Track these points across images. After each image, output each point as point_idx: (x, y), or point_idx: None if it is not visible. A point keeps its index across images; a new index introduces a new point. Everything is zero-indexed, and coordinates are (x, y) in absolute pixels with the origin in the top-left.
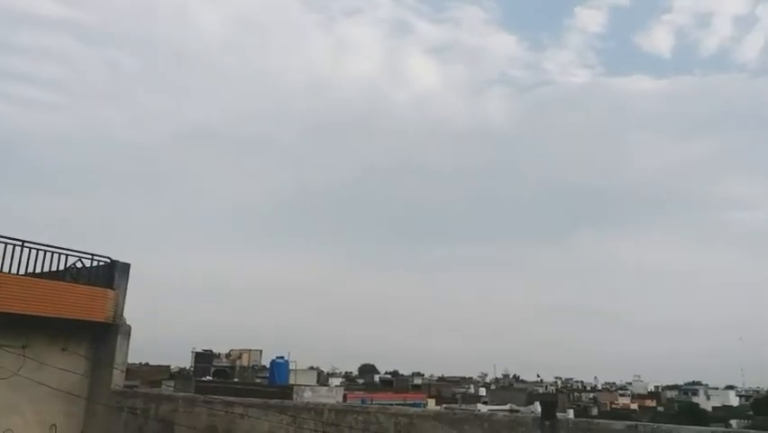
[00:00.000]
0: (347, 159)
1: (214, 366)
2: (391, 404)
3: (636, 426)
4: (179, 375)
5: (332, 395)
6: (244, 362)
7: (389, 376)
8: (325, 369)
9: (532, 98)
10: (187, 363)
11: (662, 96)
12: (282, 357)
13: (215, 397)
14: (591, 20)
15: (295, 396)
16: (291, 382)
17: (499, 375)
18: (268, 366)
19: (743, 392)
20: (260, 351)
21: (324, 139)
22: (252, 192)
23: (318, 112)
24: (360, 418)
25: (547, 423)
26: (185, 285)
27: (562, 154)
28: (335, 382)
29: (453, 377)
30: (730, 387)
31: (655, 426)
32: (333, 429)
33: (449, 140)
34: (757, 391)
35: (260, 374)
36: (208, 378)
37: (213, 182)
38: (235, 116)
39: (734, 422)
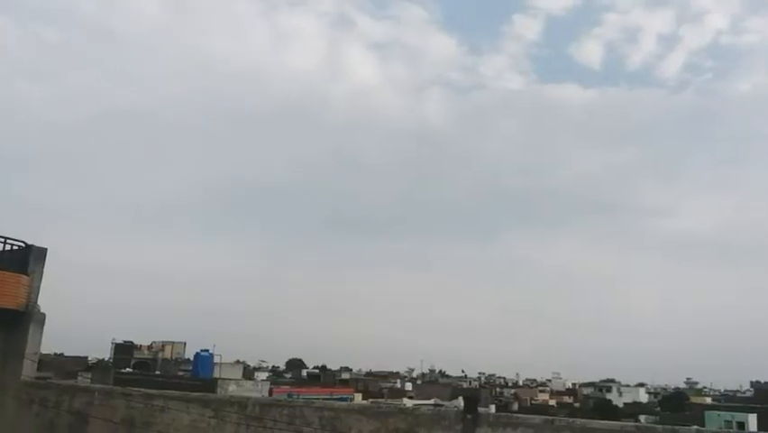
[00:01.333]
0: (280, 150)
1: (135, 358)
2: (318, 398)
3: (553, 420)
4: (97, 367)
5: (257, 389)
6: (167, 354)
7: (317, 371)
8: (252, 363)
9: (468, 101)
10: (105, 354)
11: (590, 105)
12: (207, 350)
13: (134, 389)
14: (528, 28)
15: (219, 390)
16: (216, 375)
17: (426, 370)
18: (191, 359)
19: (652, 390)
20: (184, 343)
21: (257, 129)
22: (180, 180)
23: (254, 101)
24: (284, 412)
25: (469, 417)
26: (106, 273)
27: (494, 157)
28: (262, 376)
29: (381, 372)
30: (641, 384)
31: (570, 420)
32: (256, 423)
33: (386, 137)
34: (665, 389)
35: (183, 367)
36: (128, 370)
37: (139, 167)
38: (166, 101)
39: (642, 418)
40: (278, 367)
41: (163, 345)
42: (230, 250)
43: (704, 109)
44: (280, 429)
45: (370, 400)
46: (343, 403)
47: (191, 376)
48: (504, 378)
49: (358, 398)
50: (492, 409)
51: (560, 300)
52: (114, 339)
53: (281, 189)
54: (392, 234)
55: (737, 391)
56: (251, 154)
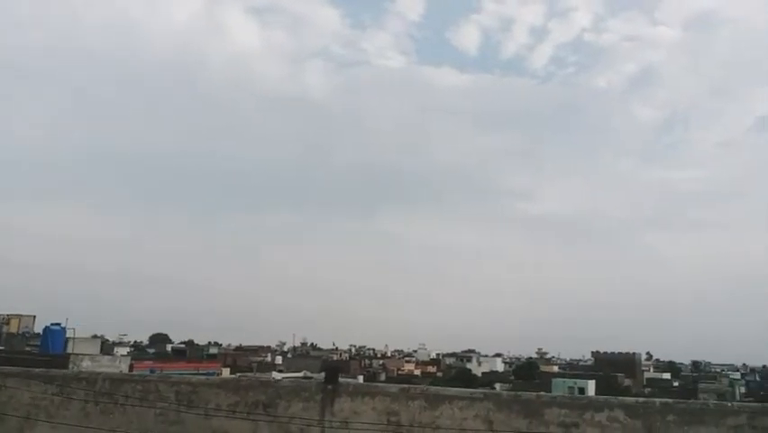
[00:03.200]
0: (150, 111)
1: None
2: (181, 374)
3: (409, 388)
4: None
5: (115, 365)
6: (13, 328)
7: (183, 346)
8: (112, 338)
9: (350, 76)
10: None
11: (465, 90)
12: (58, 324)
13: None
14: (410, 7)
15: (71, 366)
16: (69, 351)
17: (297, 344)
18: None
19: (508, 359)
20: (34, 317)
21: (127, 88)
22: (36, 135)
23: (124, 58)
24: (138, 387)
25: (330, 387)
26: None
27: (373, 134)
28: (122, 351)
29: (251, 346)
30: (498, 355)
31: (425, 388)
32: (106, 399)
33: (265, 105)
34: (519, 359)
35: (31, 342)
36: None
37: None
38: (22, 52)
39: (498, 385)
40: (142, 342)
41: (9, 318)
42: (89, 217)
43: (567, 101)
44: (132, 405)
45: (238, 374)
46: (202, 377)
47: (40, 352)
48: (373, 349)
49: (226, 373)
50: (360, 379)
51: (429, 275)
52: None
53: (152, 151)
54: (272, 205)
55: (580, 360)
56: (118, 112)
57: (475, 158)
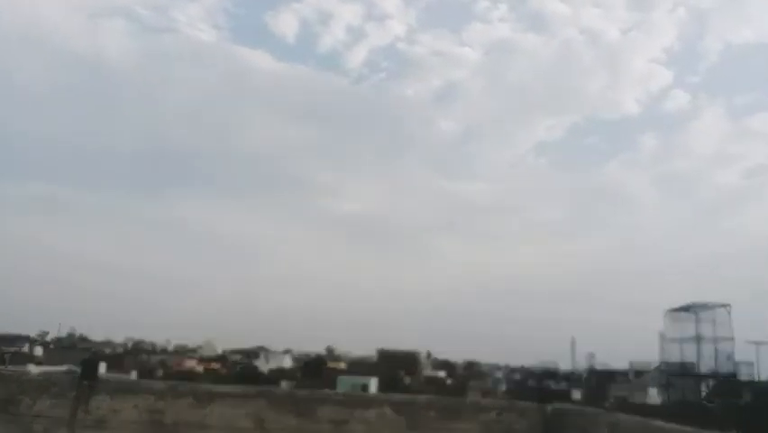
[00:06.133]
0: None
1: None
2: None
3: (176, 385)
4: None
5: None
6: None
7: None
8: None
9: (156, 42)
10: None
11: (279, 77)
12: None
13: None
14: None
15: None
16: None
17: (63, 334)
18: None
19: (297, 356)
20: None
21: None
22: None
23: None
24: None
25: (86, 382)
26: None
27: (174, 108)
28: None
29: (6, 335)
30: (287, 351)
31: (195, 385)
32: None
33: (49, 58)
34: (308, 355)
35: None
36: None
37: None
38: None
39: (283, 383)
40: None
41: None
42: None
43: (376, 105)
44: None
45: None
46: None
47: None
48: (153, 343)
49: None
50: (134, 375)
51: (222, 267)
52: None
53: None
54: (40, 174)
55: (367, 357)
56: None
57: (282, 149)
